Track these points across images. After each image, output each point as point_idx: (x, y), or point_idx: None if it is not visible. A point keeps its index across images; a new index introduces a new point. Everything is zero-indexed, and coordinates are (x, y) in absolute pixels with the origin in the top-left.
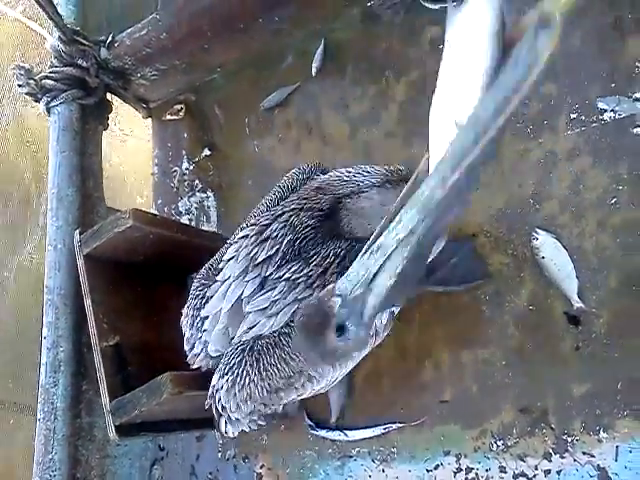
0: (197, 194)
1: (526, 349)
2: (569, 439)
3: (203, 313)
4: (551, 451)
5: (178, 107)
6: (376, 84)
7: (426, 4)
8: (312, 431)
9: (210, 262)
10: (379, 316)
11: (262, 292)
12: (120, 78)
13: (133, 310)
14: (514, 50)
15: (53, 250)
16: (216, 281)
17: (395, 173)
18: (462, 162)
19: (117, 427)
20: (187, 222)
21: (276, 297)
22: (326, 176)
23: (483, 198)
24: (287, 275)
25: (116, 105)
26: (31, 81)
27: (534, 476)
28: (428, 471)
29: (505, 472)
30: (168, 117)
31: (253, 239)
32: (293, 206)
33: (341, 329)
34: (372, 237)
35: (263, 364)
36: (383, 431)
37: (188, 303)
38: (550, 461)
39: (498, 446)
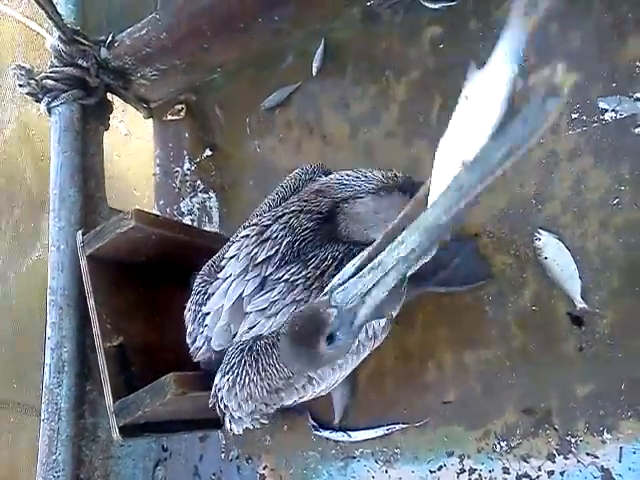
0: (199, 194)
1: (529, 350)
2: (573, 440)
3: (205, 309)
4: (555, 452)
5: (179, 107)
6: (376, 84)
7: (426, 4)
8: (315, 432)
9: (212, 259)
10: (376, 320)
11: (262, 293)
12: (120, 78)
13: (136, 311)
14: (523, 109)
15: (56, 251)
16: (218, 278)
17: (391, 179)
18: (467, 195)
19: (121, 428)
20: (189, 223)
21: (275, 298)
22: (327, 178)
23: (485, 199)
24: (286, 277)
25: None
26: (32, 81)
27: (537, 477)
28: (431, 472)
29: (509, 473)
30: (169, 117)
31: (254, 239)
32: (293, 208)
33: (331, 338)
34: (369, 251)
35: (262, 364)
36: (386, 432)
37: (191, 298)
38: (554, 462)
39: (502, 447)
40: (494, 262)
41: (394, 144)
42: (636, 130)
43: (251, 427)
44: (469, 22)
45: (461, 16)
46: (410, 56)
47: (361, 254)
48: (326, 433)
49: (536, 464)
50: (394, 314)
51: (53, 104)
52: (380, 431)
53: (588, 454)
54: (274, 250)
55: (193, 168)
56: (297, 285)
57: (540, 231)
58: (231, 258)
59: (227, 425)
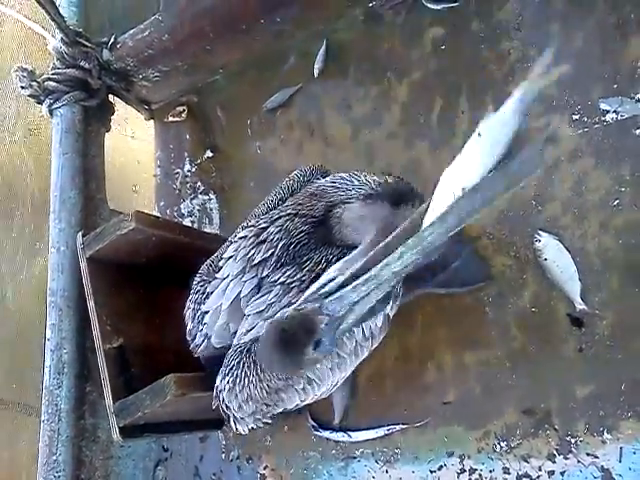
0: (199, 196)
1: (529, 351)
2: (573, 440)
3: (204, 308)
4: (555, 452)
5: (180, 109)
6: (378, 85)
7: (428, 4)
8: (316, 432)
9: (211, 259)
10: (373, 319)
11: (259, 295)
12: (122, 80)
13: (136, 312)
14: (523, 151)
15: (56, 252)
16: (216, 278)
17: (380, 186)
18: (463, 221)
19: (121, 428)
20: (189, 224)
21: (272, 300)
22: (322, 181)
23: None
24: (282, 279)
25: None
26: (34, 83)
27: (538, 477)
28: (432, 472)
29: (509, 473)
30: (170, 119)
31: (251, 241)
32: (289, 211)
33: (317, 343)
34: (362, 264)
35: (260, 365)
36: (386, 432)
37: (190, 297)
38: (554, 462)
39: (502, 447)
40: (494, 263)
41: (396, 145)
42: (637, 131)
43: (256, 427)
44: (471, 23)
45: (463, 17)
46: (412, 57)
47: (342, 260)
48: (326, 433)
49: (536, 464)
50: (391, 314)
51: (55, 106)
52: (380, 431)
53: (588, 454)
54: (270, 252)
55: (194, 169)
56: (292, 288)
57: (540, 232)
58: (229, 259)
59: (232, 426)
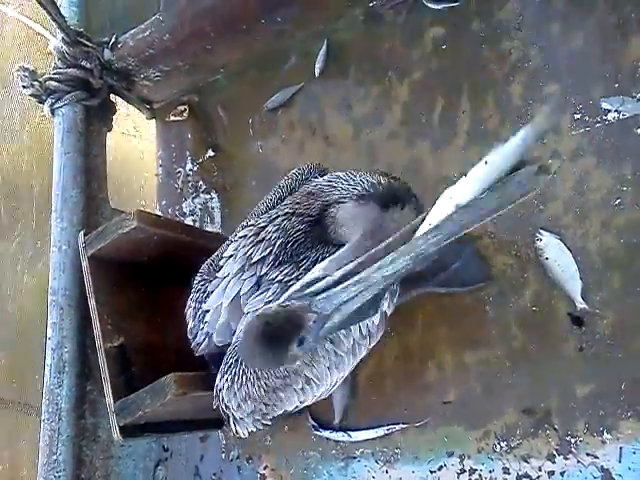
0: (201, 195)
1: (530, 350)
2: (573, 440)
3: (205, 306)
4: (555, 452)
5: (182, 108)
6: (379, 85)
7: (429, 4)
8: (316, 432)
9: (211, 258)
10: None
11: (258, 293)
12: (124, 79)
13: (137, 311)
14: (516, 176)
15: (58, 251)
16: (216, 277)
17: (371, 187)
18: (457, 233)
19: (121, 428)
20: (191, 223)
21: (270, 298)
22: (320, 180)
23: None
24: (280, 277)
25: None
26: (35, 82)
27: (538, 477)
28: (432, 472)
29: (509, 473)
30: (172, 118)
31: (250, 239)
32: (286, 210)
33: (301, 340)
34: (357, 264)
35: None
36: (386, 432)
37: (191, 296)
38: (554, 462)
39: (502, 447)
40: (495, 262)
41: (396, 145)
42: (639, 130)
43: (255, 430)
44: (472, 23)
45: (464, 17)
46: (413, 57)
47: (327, 259)
48: (326, 433)
49: (536, 464)
50: (389, 312)
51: (56, 105)
52: (380, 431)
53: (588, 454)
54: (268, 251)
55: (195, 169)
56: (290, 286)
57: (541, 231)
58: (229, 257)
59: (232, 428)
